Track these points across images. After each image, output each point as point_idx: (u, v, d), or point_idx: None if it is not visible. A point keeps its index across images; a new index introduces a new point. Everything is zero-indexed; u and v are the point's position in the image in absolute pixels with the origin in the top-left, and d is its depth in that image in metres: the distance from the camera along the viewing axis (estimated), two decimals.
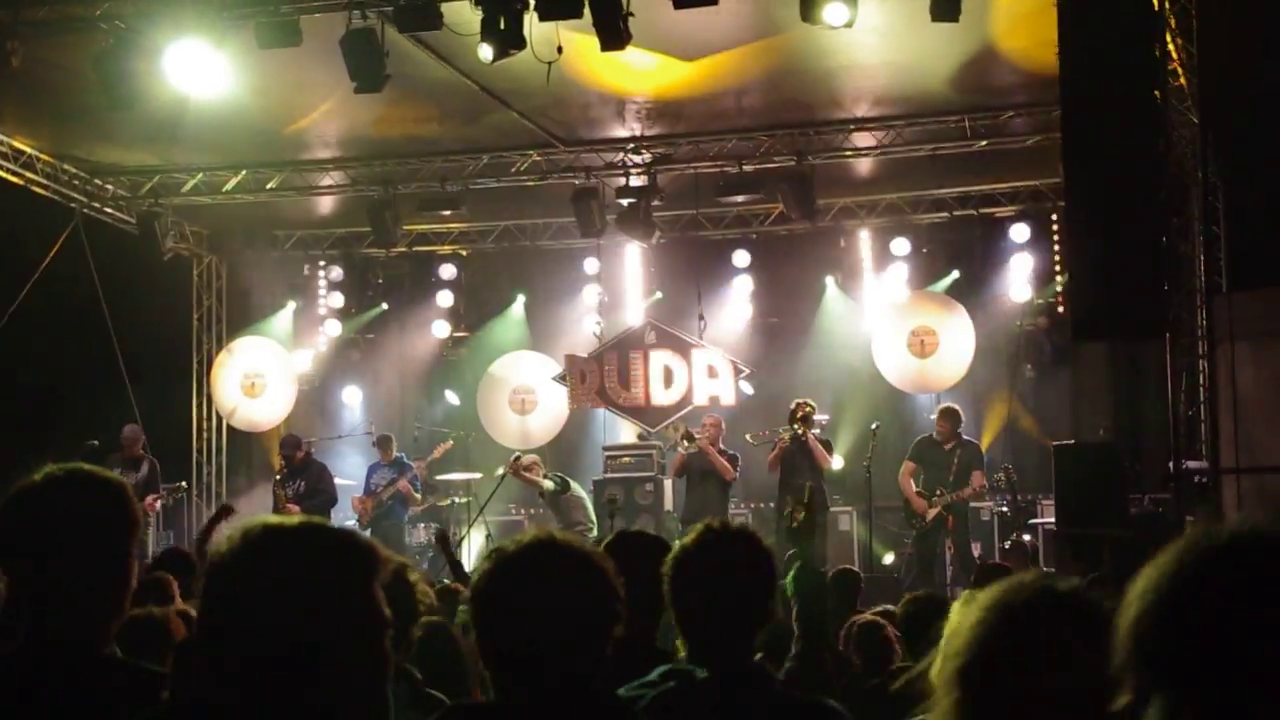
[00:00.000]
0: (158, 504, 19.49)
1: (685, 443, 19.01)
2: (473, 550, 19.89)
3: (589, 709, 3.56)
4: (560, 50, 14.58)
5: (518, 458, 19.57)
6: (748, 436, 19.35)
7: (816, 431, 18.52)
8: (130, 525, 3.71)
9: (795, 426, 18.28)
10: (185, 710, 2.97)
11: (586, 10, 14.10)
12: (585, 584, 3.52)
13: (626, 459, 20.78)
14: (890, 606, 9.80)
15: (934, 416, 19.04)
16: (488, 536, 19.85)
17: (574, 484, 19.60)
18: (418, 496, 20.34)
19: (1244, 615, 2.11)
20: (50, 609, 3.58)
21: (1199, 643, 2.13)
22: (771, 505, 19.42)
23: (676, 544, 4.61)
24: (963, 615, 2.87)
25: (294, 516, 2.96)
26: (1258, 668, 2.09)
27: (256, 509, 21.64)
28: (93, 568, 3.60)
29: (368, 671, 2.87)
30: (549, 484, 19.21)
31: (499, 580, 3.51)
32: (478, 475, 20.69)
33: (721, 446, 18.97)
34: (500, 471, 19.69)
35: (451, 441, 20.66)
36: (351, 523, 20.07)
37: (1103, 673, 2.26)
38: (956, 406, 18.93)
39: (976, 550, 18.57)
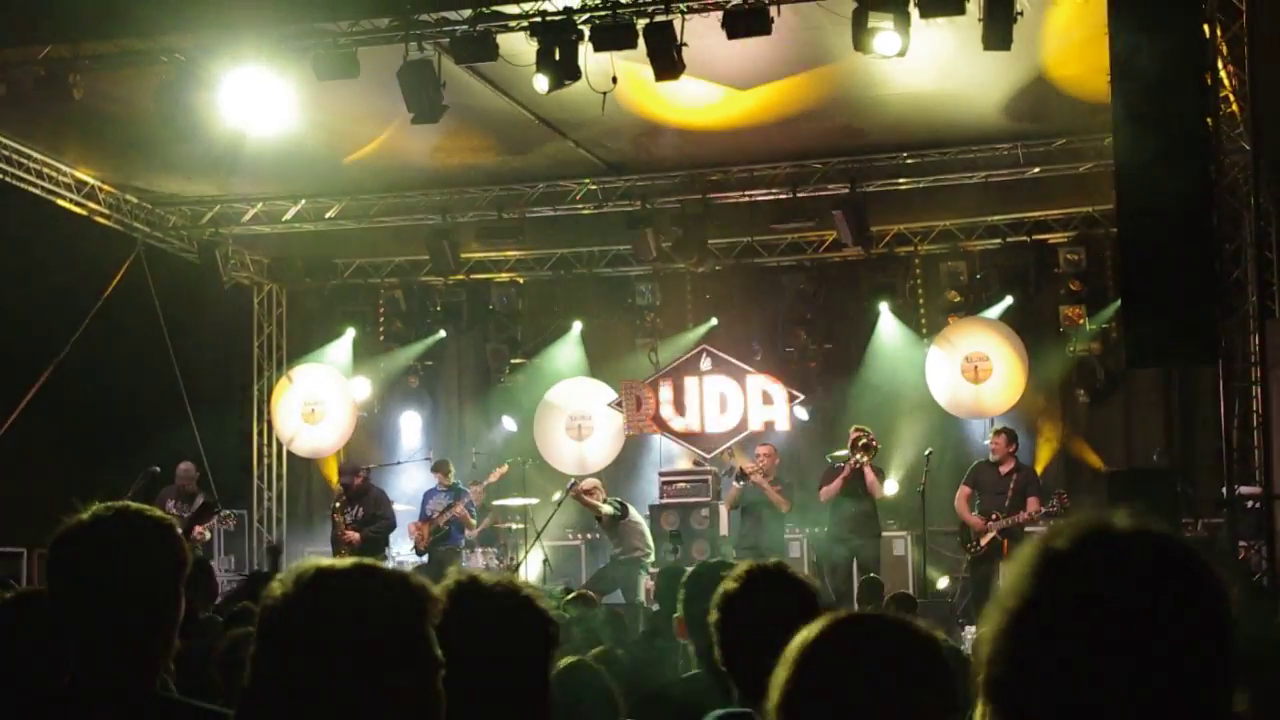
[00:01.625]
0: (206, 533, 19.60)
1: (737, 481, 19.03)
2: (529, 575, 20.00)
3: None
4: (615, 80, 14.74)
5: (575, 482, 19.65)
6: (828, 457, 19.29)
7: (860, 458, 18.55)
8: (178, 564, 3.70)
9: (858, 455, 18.33)
10: None
11: (641, 41, 14.28)
12: (514, 620, 3.53)
13: (682, 484, 20.85)
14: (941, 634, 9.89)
15: (988, 441, 19.05)
16: (544, 561, 19.94)
17: (632, 509, 19.63)
18: (473, 522, 20.41)
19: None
20: (98, 648, 3.59)
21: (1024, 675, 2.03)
22: (824, 530, 19.42)
23: (720, 587, 4.60)
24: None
25: (346, 560, 2.96)
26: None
27: (316, 535, 21.87)
28: (141, 607, 3.60)
29: (423, 712, 2.90)
30: (608, 509, 19.23)
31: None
32: (535, 500, 20.79)
33: (776, 476, 18.99)
34: (557, 496, 19.81)
35: (508, 466, 20.73)
36: (409, 548, 20.23)
37: None
38: (1006, 429, 18.91)
39: None
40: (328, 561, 2.94)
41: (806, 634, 2.78)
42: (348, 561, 2.95)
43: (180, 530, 3.79)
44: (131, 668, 3.61)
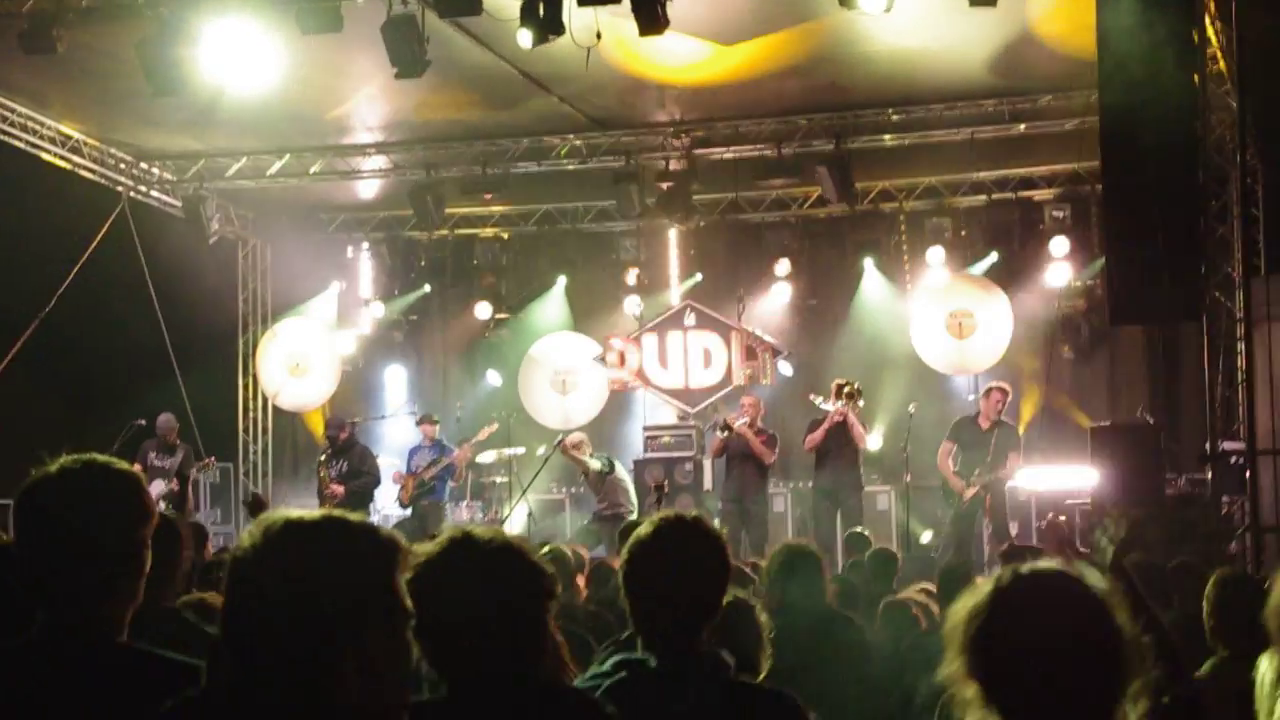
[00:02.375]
0: (174, 486, 19.56)
1: (721, 432, 19.03)
2: (514, 529, 20.02)
3: (540, 698, 3.55)
4: (599, 36, 14.69)
5: (563, 439, 19.66)
6: (811, 396, 19.30)
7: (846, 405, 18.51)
8: (144, 517, 3.72)
9: (840, 402, 18.34)
10: (212, 704, 2.95)
11: None
12: (507, 573, 3.54)
13: (666, 439, 20.89)
14: (928, 585, 10.02)
15: (975, 396, 19.06)
16: (529, 515, 19.97)
17: (618, 465, 19.69)
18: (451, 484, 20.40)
19: None
20: (63, 599, 3.61)
21: None
22: (809, 485, 19.45)
23: (632, 536, 4.56)
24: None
25: (314, 511, 2.98)
26: None
27: (302, 488, 21.88)
28: (105, 558, 3.61)
29: (392, 663, 2.91)
30: (595, 464, 19.27)
31: (423, 581, 3.42)
32: (520, 450, 20.83)
33: (760, 426, 19.00)
34: (542, 451, 19.83)
35: (496, 425, 20.71)
36: (394, 500, 20.25)
37: None
38: (1006, 386, 18.83)
39: (1014, 529, 18.60)
40: (296, 513, 2.94)
41: (999, 579, 3.03)
42: (316, 513, 2.96)
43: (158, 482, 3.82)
44: (96, 619, 3.62)
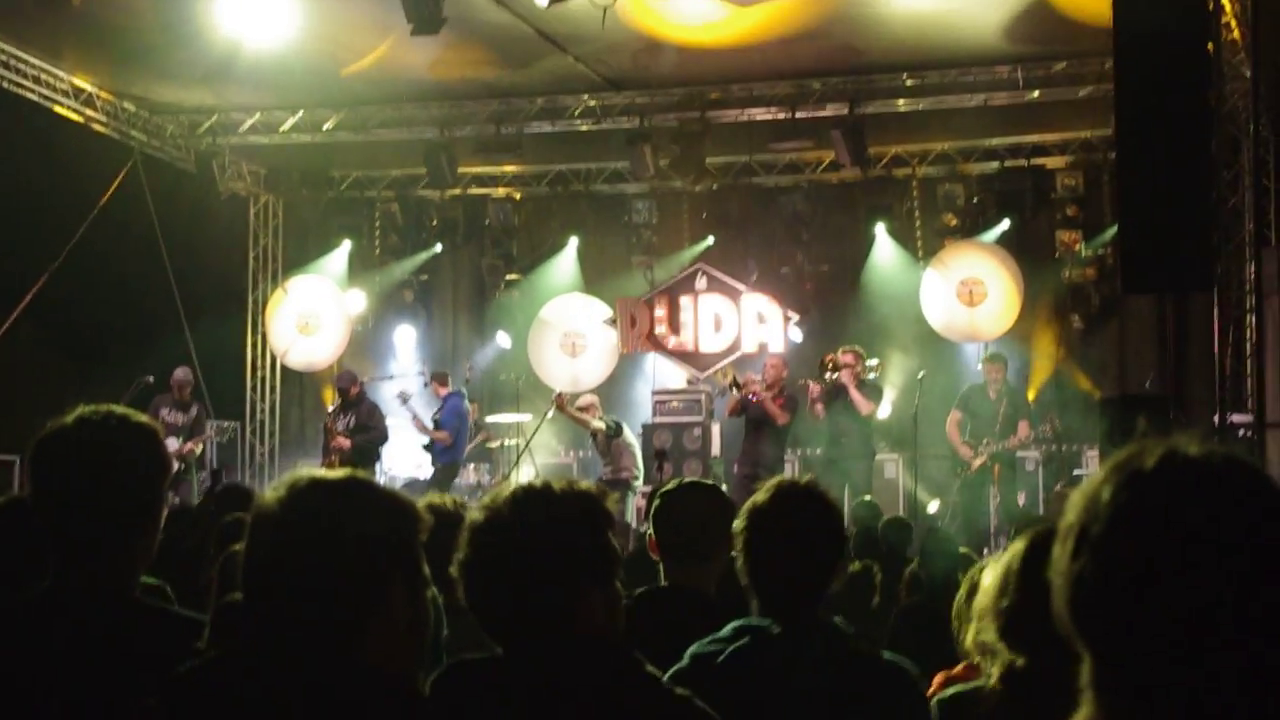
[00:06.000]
0: (198, 448, 19.59)
1: (733, 390, 18.94)
2: None
3: (599, 660, 3.31)
4: None
5: (560, 395, 19.60)
6: (800, 381, 19.27)
7: (833, 376, 18.31)
8: (161, 469, 3.70)
9: (825, 377, 18.20)
10: (229, 663, 2.94)
11: None
12: (573, 531, 3.32)
13: (675, 403, 20.85)
14: None
15: (980, 366, 19.05)
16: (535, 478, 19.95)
17: (626, 429, 19.65)
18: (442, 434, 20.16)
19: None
20: (78, 552, 3.57)
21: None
22: (819, 452, 19.30)
23: (750, 501, 4.51)
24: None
25: (339, 471, 2.98)
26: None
27: (310, 448, 21.91)
28: (121, 511, 3.58)
29: (412, 625, 2.93)
30: (599, 424, 19.22)
31: (481, 539, 3.30)
32: (527, 417, 20.83)
33: (782, 386, 18.79)
34: (549, 412, 19.79)
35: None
36: (403, 465, 20.26)
37: None
38: (996, 356, 18.85)
39: (1022, 500, 18.57)
40: (321, 472, 2.95)
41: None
42: (341, 473, 2.96)
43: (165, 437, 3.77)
44: (110, 571, 3.60)
